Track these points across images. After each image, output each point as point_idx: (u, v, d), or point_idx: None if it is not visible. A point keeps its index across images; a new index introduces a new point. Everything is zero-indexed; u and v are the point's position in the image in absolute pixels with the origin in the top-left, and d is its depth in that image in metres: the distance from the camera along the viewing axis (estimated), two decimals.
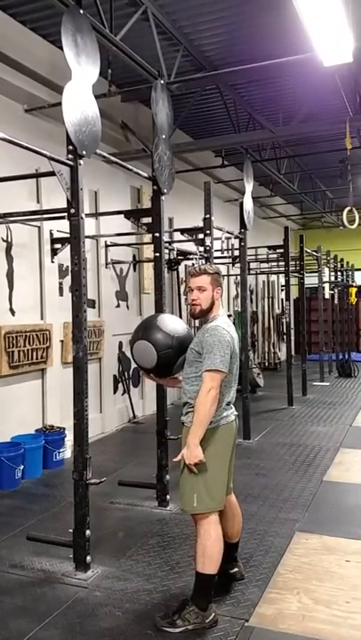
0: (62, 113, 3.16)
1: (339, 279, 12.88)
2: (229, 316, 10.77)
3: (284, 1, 4.15)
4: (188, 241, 5.81)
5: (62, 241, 5.71)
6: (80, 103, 3.26)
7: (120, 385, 7.37)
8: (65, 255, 4.08)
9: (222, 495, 2.77)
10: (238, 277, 8.32)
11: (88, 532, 3.24)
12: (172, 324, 3.05)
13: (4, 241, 5.31)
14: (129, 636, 2.62)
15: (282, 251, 8.41)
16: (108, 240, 6.91)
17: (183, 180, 8.48)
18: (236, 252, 6.57)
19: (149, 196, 4.39)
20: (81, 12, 3.33)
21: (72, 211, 3.30)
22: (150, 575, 3.19)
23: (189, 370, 2.82)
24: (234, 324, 10.78)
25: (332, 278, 12.35)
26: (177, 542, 3.60)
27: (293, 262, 9.15)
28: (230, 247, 6.71)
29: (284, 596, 2.93)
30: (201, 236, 5.38)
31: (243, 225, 6.28)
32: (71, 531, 3.27)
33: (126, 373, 7.50)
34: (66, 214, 3.36)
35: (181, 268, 8.67)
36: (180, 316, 8.75)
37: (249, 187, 6.32)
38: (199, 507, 2.69)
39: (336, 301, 12.87)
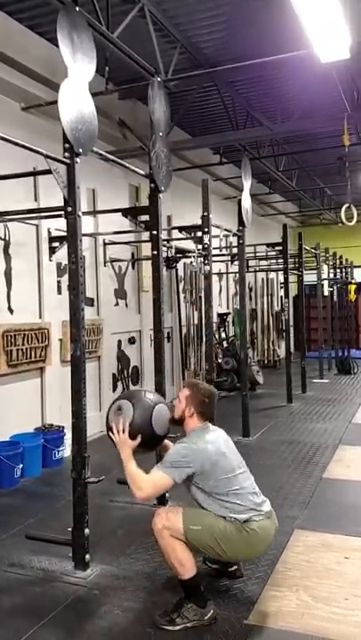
0: (59, 111, 3.15)
1: (338, 276, 12.87)
2: (228, 314, 10.78)
3: None
4: (187, 239, 5.80)
5: (60, 239, 5.66)
6: (76, 101, 3.25)
7: (119, 383, 7.36)
8: (63, 253, 4.05)
9: (200, 550, 2.77)
10: (237, 275, 8.32)
11: (87, 530, 3.24)
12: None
13: (1, 239, 5.31)
14: (128, 635, 2.62)
15: (280, 248, 8.40)
16: (106, 238, 6.90)
17: (181, 178, 8.46)
18: (235, 250, 6.56)
19: (147, 194, 4.38)
20: (77, 9, 3.31)
21: (69, 209, 3.29)
22: (150, 573, 3.19)
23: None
24: (233, 322, 10.86)
25: (331, 275, 12.34)
26: None
27: (292, 260, 9.13)
28: (229, 245, 6.70)
29: (284, 594, 2.93)
30: (199, 233, 5.37)
31: (241, 222, 6.27)
32: (70, 529, 3.27)
33: (125, 372, 7.50)
34: (63, 212, 3.35)
35: (180, 265, 8.67)
36: (180, 314, 8.75)
37: (247, 184, 6.31)
38: (189, 533, 2.68)
39: (335, 298, 12.86)
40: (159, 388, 4.29)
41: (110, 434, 2.97)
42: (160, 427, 2.99)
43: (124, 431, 2.88)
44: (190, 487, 2.82)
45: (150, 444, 3.02)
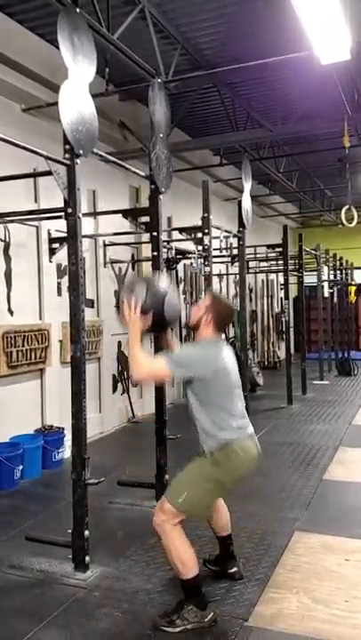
0: (59, 112, 3.15)
1: (338, 278, 12.87)
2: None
3: None
4: (187, 240, 5.81)
5: (60, 240, 5.70)
6: (77, 102, 3.25)
7: (119, 384, 7.36)
8: (63, 255, 4.08)
9: (201, 511, 2.84)
10: (237, 276, 8.32)
11: (87, 532, 3.23)
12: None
13: (1, 240, 5.30)
14: (128, 637, 2.62)
15: (281, 249, 8.40)
16: (106, 239, 6.90)
17: (181, 179, 8.46)
18: (235, 251, 6.57)
19: (148, 195, 4.38)
20: (77, 10, 3.32)
21: (69, 210, 3.30)
22: (149, 575, 3.19)
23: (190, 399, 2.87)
24: (233, 323, 10.85)
25: (332, 277, 12.34)
26: None
27: (292, 261, 9.14)
28: (229, 246, 6.71)
29: (284, 596, 2.92)
30: (199, 234, 5.38)
31: (241, 224, 6.29)
32: (70, 531, 3.26)
33: (125, 373, 7.49)
34: (63, 214, 3.35)
35: (180, 267, 8.66)
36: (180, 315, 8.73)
37: (247, 185, 6.32)
38: (182, 505, 2.68)
39: (335, 300, 12.86)
40: (159, 390, 4.29)
41: (120, 312, 2.95)
42: (170, 312, 3.00)
43: (135, 310, 2.87)
44: (188, 392, 2.85)
45: (159, 327, 3.04)
